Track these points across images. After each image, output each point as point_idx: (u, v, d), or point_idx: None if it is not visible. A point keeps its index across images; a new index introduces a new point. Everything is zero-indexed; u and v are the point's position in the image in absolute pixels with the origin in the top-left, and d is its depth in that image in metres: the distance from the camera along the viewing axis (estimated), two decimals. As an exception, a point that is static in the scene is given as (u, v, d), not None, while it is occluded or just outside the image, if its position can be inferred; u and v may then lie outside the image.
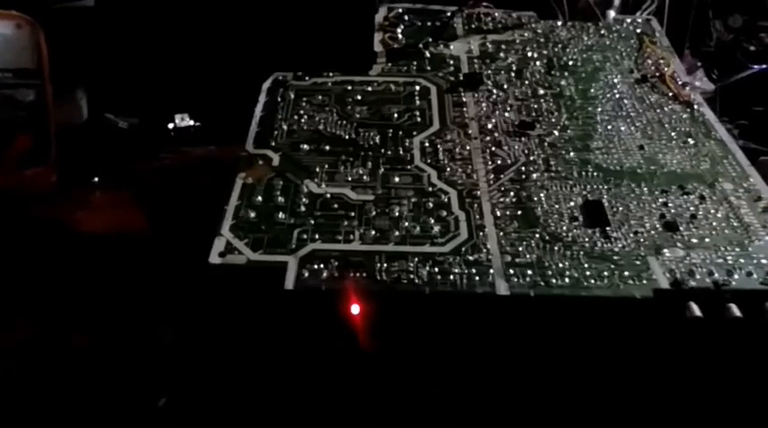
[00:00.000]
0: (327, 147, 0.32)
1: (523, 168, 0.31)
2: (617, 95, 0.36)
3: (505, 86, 0.36)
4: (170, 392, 0.28)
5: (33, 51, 0.36)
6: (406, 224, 0.28)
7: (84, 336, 0.31)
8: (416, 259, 0.26)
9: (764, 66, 0.48)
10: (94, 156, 0.40)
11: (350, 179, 0.30)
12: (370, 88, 0.36)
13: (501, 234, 0.28)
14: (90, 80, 0.43)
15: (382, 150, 0.32)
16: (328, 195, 0.29)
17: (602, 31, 0.41)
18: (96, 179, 0.37)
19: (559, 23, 0.42)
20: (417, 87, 0.36)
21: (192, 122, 0.43)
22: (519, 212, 0.29)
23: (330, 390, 0.26)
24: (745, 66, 0.50)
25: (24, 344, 0.30)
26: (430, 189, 0.30)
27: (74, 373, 0.29)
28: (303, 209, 0.28)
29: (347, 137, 0.33)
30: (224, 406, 0.27)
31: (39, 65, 0.36)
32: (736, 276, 0.26)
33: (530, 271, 0.26)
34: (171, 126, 0.43)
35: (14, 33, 0.36)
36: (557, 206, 0.29)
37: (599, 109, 0.35)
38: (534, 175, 0.31)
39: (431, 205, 0.29)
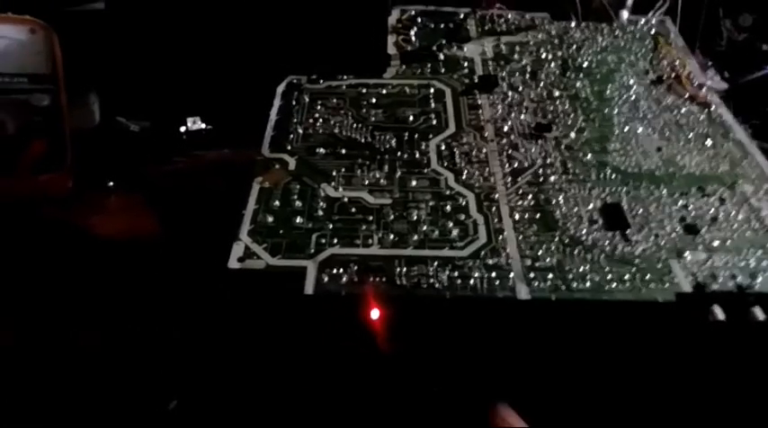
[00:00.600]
0: (343, 151, 0.32)
1: (541, 171, 0.31)
2: (633, 97, 0.36)
3: (520, 88, 0.36)
4: (186, 396, 0.28)
5: (48, 56, 0.36)
6: (425, 228, 0.28)
7: (98, 340, 0.31)
8: (436, 263, 0.26)
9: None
10: (107, 159, 0.40)
11: (367, 183, 0.30)
12: (384, 91, 0.36)
13: (520, 237, 0.27)
14: (102, 84, 0.43)
15: (398, 153, 0.32)
16: (346, 199, 0.29)
17: (617, 32, 0.41)
18: (111, 183, 0.37)
19: (573, 24, 0.41)
20: (432, 90, 0.36)
21: (203, 126, 0.43)
22: (537, 215, 0.28)
23: (349, 395, 0.26)
24: (758, 66, 0.50)
25: (38, 348, 0.30)
26: (447, 192, 0.30)
27: (87, 377, 0.29)
28: (321, 213, 0.28)
29: (363, 140, 0.33)
30: (243, 411, 0.27)
31: (53, 70, 0.36)
32: (759, 279, 0.25)
33: (550, 275, 0.26)
34: (183, 129, 0.43)
35: (29, 38, 0.36)
36: (575, 209, 0.29)
37: (615, 110, 0.35)
38: (552, 178, 0.30)
39: (449, 208, 0.29)
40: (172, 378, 0.28)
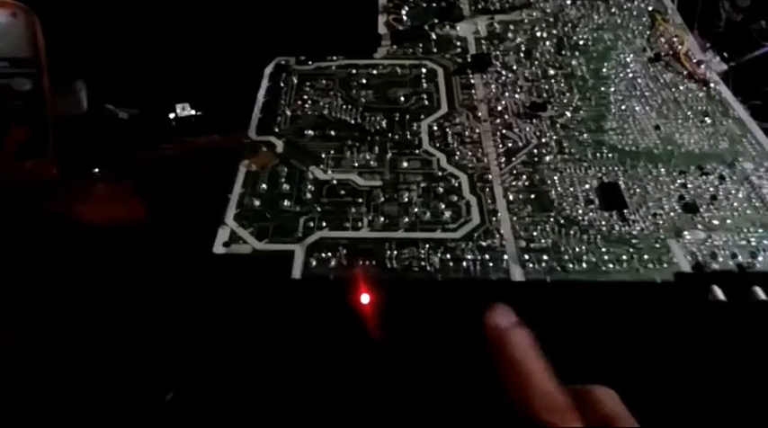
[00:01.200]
0: (333, 133, 0.31)
1: (536, 151, 0.30)
2: (630, 75, 0.35)
3: (515, 67, 0.35)
4: (177, 386, 0.27)
5: (29, 40, 0.35)
6: (416, 210, 0.27)
7: (85, 330, 0.30)
8: (427, 246, 0.25)
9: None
10: (95, 147, 0.39)
11: (356, 165, 0.29)
12: (375, 71, 0.35)
13: (514, 218, 0.27)
14: (89, 70, 0.42)
15: (389, 135, 0.31)
16: (334, 181, 0.28)
17: (613, 9, 0.40)
18: (97, 170, 0.37)
19: (569, 2, 0.40)
20: (424, 70, 0.35)
21: (193, 112, 0.42)
22: (532, 196, 0.28)
23: (339, 381, 0.25)
24: (757, 45, 0.49)
25: (24, 339, 0.30)
26: (439, 173, 0.29)
27: (76, 368, 0.29)
28: (309, 196, 0.28)
29: (353, 121, 0.32)
30: (231, 399, 0.26)
31: (35, 53, 0.35)
32: (760, 258, 0.25)
33: (545, 257, 0.25)
34: (172, 116, 0.42)
35: (10, 21, 0.35)
36: (571, 189, 0.28)
37: (612, 89, 0.34)
38: (547, 158, 0.30)
39: (441, 190, 0.28)
40: (159, 366, 0.27)
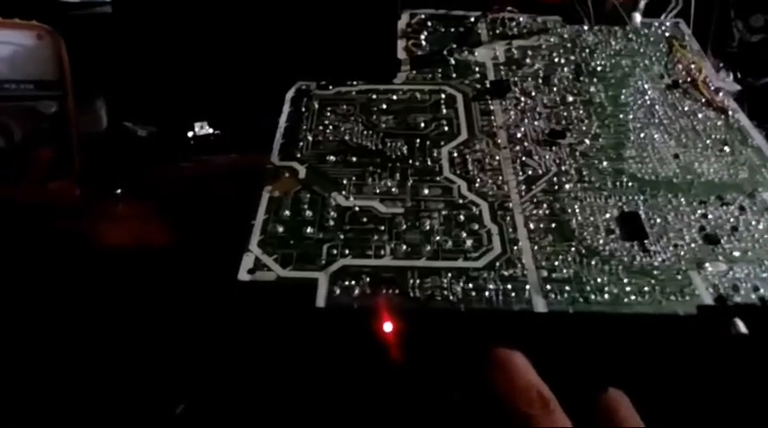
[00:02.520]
0: (354, 159, 0.31)
1: (555, 179, 0.30)
2: (648, 102, 0.35)
3: (533, 94, 0.35)
4: (196, 408, 0.27)
5: (55, 62, 0.36)
6: (438, 238, 0.27)
7: (106, 350, 0.30)
8: (450, 275, 0.26)
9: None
10: (115, 165, 0.40)
11: (378, 191, 0.29)
12: (395, 97, 0.35)
13: (536, 248, 0.27)
14: (109, 88, 0.43)
15: (410, 161, 0.31)
16: (357, 208, 0.29)
17: (630, 36, 0.40)
18: (119, 191, 0.37)
19: (586, 28, 0.41)
20: (443, 95, 0.35)
21: (211, 130, 0.43)
22: (553, 225, 0.28)
23: (362, 410, 0.25)
24: (769, 71, 0.49)
25: (45, 357, 0.30)
26: (460, 201, 0.29)
27: (94, 387, 0.29)
28: (332, 223, 0.28)
29: (374, 147, 0.32)
30: (254, 425, 0.26)
31: (60, 76, 0.36)
32: (782, 291, 0.25)
33: (567, 287, 0.25)
34: (190, 134, 0.42)
35: (35, 44, 0.36)
36: (592, 218, 0.28)
37: (630, 116, 0.34)
38: (567, 186, 0.30)
39: (462, 218, 0.28)
40: (180, 390, 0.28)
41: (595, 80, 0.37)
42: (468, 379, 0.24)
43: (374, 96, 0.35)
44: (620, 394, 0.23)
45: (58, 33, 0.36)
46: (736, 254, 0.26)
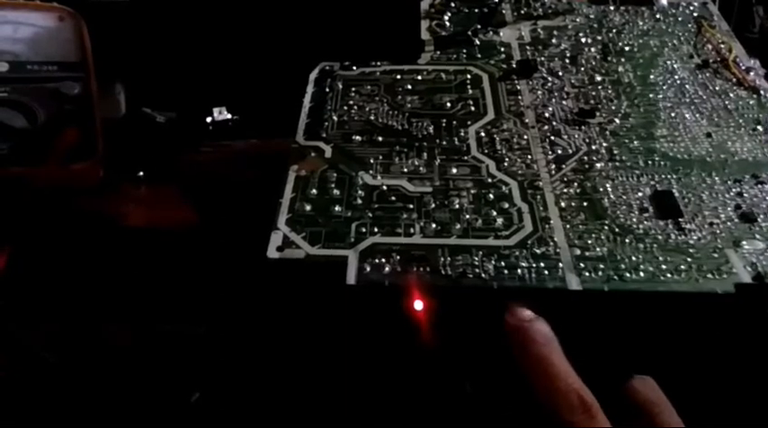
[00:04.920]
0: (380, 138, 0.31)
1: (586, 158, 0.30)
2: (678, 81, 0.34)
3: (561, 73, 0.35)
4: (225, 388, 0.27)
5: (77, 44, 0.36)
6: (468, 216, 0.27)
7: (130, 334, 0.30)
8: (481, 253, 0.25)
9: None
10: (135, 150, 0.39)
11: (406, 170, 0.29)
12: (419, 77, 0.35)
13: (568, 226, 0.26)
14: (127, 74, 0.43)
15: (437, 140, 0.31)
16: (384, 187, 0.28)
17: (658, 16, 0.40)
18: (141, 173, 0.37)
19: (612, 8, 0.40)
20: (469, 76, 0.35)
21: (229, 116, 0.42)
22: (585, 204, 0.27)
23: (393, 387, 0.25)
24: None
25: (69, 339, 0.30)
26: (489, 180, 0.29)
27: (120, 369, 0.29)
28: (359, 201, 0.27)
29: (400, 127, 0.32)
30: (283, 402, 0.26)
31: (83, 57, 0.35)
32: (821, 269, 0.24)
33: (602, 265, 0.25)
34: (209, 120, 0.42)
35: (57, 26, 0.36)
36: (624, 197, 0.28)
37: (660, 95, 0.33)
38: (598, 165, 0.29)
39: (491, 197, 0.28)
40: (209, 370, 0.28)
41: (623, 60, 0.36)
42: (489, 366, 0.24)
43: (399, 77, 0.35)
44: (655, 390, 0.22)
45: (79, 15, 0.36)
46: (774, 232, 0.26)
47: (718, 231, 0.26)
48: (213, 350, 0.28)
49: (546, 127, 0.32)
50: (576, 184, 0.28)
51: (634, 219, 0.27)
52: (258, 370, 0.26)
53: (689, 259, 0.25)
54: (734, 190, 0.28)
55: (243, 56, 0.41)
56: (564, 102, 0.33)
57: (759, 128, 0.31)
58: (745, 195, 0.28)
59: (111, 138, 0.38)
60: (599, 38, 0.38)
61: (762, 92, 0.34)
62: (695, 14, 0.40)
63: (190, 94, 0.42)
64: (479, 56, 0.36)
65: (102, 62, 0.38)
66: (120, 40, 0.41)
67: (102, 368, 0.29)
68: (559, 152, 0.30)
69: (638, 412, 0.22)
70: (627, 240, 0.26)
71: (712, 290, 0.24)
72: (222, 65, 0.41)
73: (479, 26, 0.38)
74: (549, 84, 0.34)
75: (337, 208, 0.27)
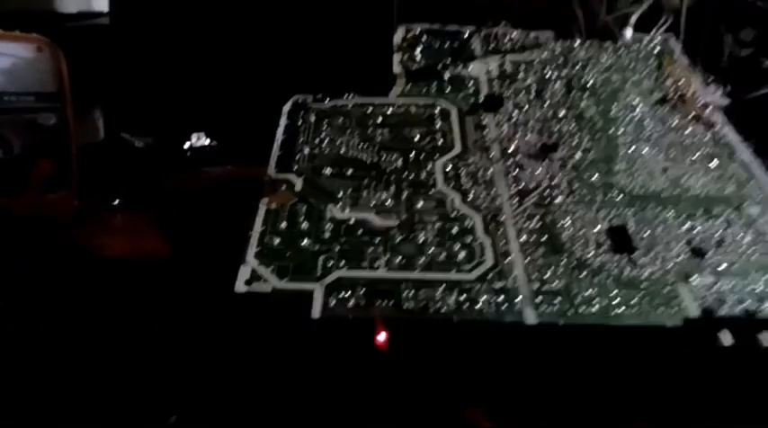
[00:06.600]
0: (350, 171, 0.32)
1: (547, 192, 0.31)
2: (638, 116, 0.36)
3: (526, 108, 0.36)
4: (191, 418, 0.28)
5: (55, 75, 0.36)
6: (432, 250, 0.28)
7: (102, 359, 0.30)
8: (443, 286, 0.26)
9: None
10: (112, 176, 0.40)
11: (373, 204, 0.30)
12: (390, 110, 0.36)
13: (527, 260, 0.27)
14: (106, 98, 0.43)
15: (405, 174, 0.32)
16: (352, 221, 0.29)
17: (621, 51, 0.41)
18: (117, 202, 0.37)
19: (577, 43, 0.42)
20: (437, 109, 0.36)
21: (208, 142, 0.43)
22: (544, 238, 0.28)
23: (356, 419, 0.26)
24: (760, 82, 0.50)
25: (47, 368, 0.30)
26: (454, 214, 0.30)
27: (90, 396, 0.29)
28: (328, 235, 0.28)
29: (369, 160, 0.33)
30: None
31: (60, 88, 0.36)
32: (767, 303, 0.25)
33: (558, 299, 0.26)
34: (187, 145, 0.43)
35: (36, 56, 0.36)
36: (582, 231, 0.29)
37: (620, 130, 0.35)
38: (558, 199, 0.30)
39: (455, 230, 0.29)
40: (177, 400, 0.28)
41: (586, 95, 0.37)
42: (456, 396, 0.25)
43: (370, 110, 0.36)
44: None
45: (57, 46, 0.36)
46: (723, 267, 0.27)
47: (669, 265, 0.27)
48: (189, 379, 0.29)
49: (510, 161, 0.33)
50: (536, 218, 0.29)
51: (591, 254, 0.28)
52: (227, 401, 0.27)
53: (641, 293, 0.26)
54: (686, 225, 0.29)
55: (222, 83, 0.42)
56: (528, 137, 0.34)
57: (713, 163, 0.33)
58: (696, 230, 0.29)
59: (88, 163, 0.38)
60: (564, 73, 0.39)
61: (718, 127, 0.35)
62: (657, 50, 0.41)
63: (168, 120, 0.43)
64: (448, 90, 0.38)
65: (81, 87, 0.38)
66: (100, 64, 0.42)
67: (77, 394, 0.29)
68: (522, 186, 0.31)
69: None
70: (583, 274, 0.27)
71: (661, 324, 0.25)
72: (201, 91, 0.42)
73: (449, 60, 0.40)
74: (515, 119, 0.35)
75: (305, 241, 0.28)
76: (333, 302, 0.25)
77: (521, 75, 0.39)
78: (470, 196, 0.31)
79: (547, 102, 0.37)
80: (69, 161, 0.35)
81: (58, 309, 0.31)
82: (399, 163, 0.32)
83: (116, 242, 0.34)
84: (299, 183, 0.31)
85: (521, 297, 0.26)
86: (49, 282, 0.32)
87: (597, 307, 0.25)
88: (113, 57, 0.42)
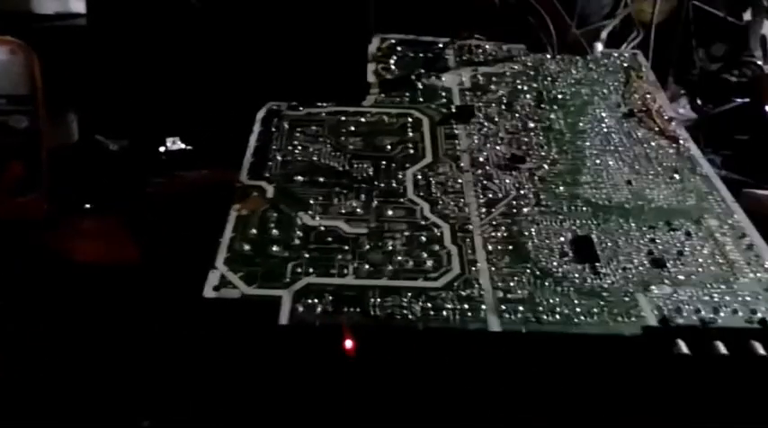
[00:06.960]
0: (321, 179, 0.32)
1: (514, 202, 0.32)
2: (605, 129, 0.37)
3: (496, 119, 0.37)
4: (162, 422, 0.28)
5: (27, 77, 0.36)
6: (399, 258, 0.28)
7: (72, 363, 0.30)
8: (409, 294, 0.26)
9: (747, 99, 0.50)
10: (85, 180, 0.40)
11: (343, 211, 0.30)
12: (363, 119, 0.36)
13: (493, 269, 0.28)
14: (81, 101, 0.43)
15: (375, 182, 0.32)
16: (322, 228, 0.29)
17: (591, 65, 0.42)
18: (88, 206, 0.37)
19: (548, 56, 0.43)
20: (410, 119, 0.37)
21: (183, 146, 0.43)
22: (510, 247, 0.29)
23: (324, 425, 0.26)
24: (728, 97, 0.52)
25: (14, 374, 0.30)
26: (423, 222, 0.30)
27: (61, 401, 0.29)
28: (297, 242, 0.29)
29: (341, 168, 0.33)
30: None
31: (32, 91, 0.36)
32: (721, 314, 0.26)
33: (521, 308, 0.26)
34: (162, 149, 0.43)
35: (9, 59, 0.36)
36: (547, 241, 0.29)
37: (588, 143, 0.36)
38: (525, 210, 0.31)
39: (424, 239, 0.29)
40: (145, 407, 0.28)
41: (556, 107, 0.38)
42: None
43: (343, 118, 0.36)
44: None
45: (31, 48, 0.36)
46: (681, 277, 0.28)
47: (630, 275, 0.28)
48: (156, 385, 0.29)
49: (480, 171, 0.33)
50: (503, 228, 0.30)
51: (554, 263, 0.28)
52: (195, 406, 0.27)
53: (602, 302, 0.27)
54: (648, 236, 0.30)
55: (198, 88, 0.42)
56: (498, 148, 0.35)
57: (676, 176, 0.34)
58: (657, 241, 0.30)
59: (62, 166, 0.38)
60: (534, 85, 0.40)
61: (681, 141, 0.36)
62: (625, 65, 0.43)
63: (144, 124, 0.43)
64: (421, 100, 0.38)
65: (56, 89, 0.38)
66: (74, 66, 0.42)
67: (42, 400, 0.29)
68: (490, 196, 0.32)
69: None
70: (546, 283, 0.27)
71: (620, 333, 0.25)
72: (177, 95, 0.42)
73: (423, 70, 0.40)
74: (485, 130, 0.36)
75: (275, 248, 0.28)
76: (301, 309, 0.26)
77: (492, 86, 0.40)
78: (440, 205, 0.31)
79: (517, 114, 0.37)
80: (40, 164, 0.35)
81: (27, 312, 0.31)
82: (371, 171, 0.33)
83: (85, 246, 0.34)
84: (270, 190, 0.31)
85: (486, 305, 0.26)
86: (17, 285, 0.31)
87: (559, 315, 0.26)
88: (90, 59, 0.42)
